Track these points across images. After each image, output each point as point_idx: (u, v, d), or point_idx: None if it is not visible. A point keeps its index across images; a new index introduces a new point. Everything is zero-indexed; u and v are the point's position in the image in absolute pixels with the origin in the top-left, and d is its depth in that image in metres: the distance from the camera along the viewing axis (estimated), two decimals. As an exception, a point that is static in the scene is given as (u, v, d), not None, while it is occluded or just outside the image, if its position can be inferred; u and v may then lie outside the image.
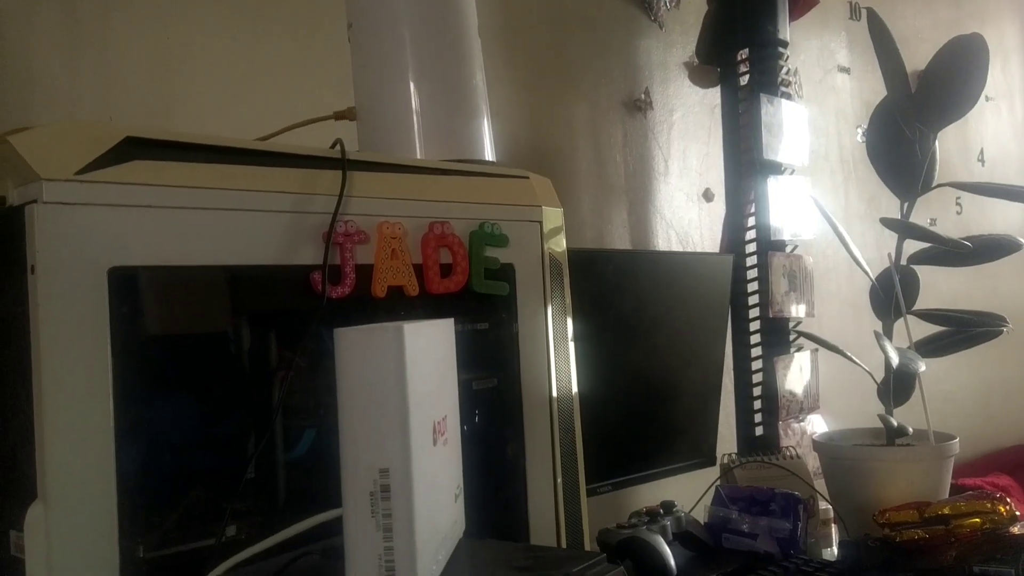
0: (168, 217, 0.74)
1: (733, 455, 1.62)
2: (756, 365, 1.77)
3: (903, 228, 1.41)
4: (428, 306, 0.91)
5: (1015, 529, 1.28)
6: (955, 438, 1.50)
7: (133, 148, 0.74)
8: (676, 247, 1.92)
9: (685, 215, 1.95)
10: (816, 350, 1.79)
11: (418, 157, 1.01)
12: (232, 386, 0.84)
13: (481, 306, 0.98)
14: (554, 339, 1.04)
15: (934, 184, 1.47)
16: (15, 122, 1.11)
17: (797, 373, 1.77)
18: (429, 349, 0.65)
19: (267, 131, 1.06)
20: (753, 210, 1.75)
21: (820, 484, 1.60)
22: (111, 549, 0.70)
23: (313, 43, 1.36)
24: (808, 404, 1.80)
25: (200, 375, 0.81)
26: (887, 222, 1.42)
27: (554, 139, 1.71)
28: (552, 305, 1.03)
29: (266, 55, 1.33)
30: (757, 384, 1.77)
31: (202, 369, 0.81)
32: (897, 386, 1.55)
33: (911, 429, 1.53)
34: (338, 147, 0.88)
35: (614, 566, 0.67)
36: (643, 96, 1.85)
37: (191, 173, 0.76)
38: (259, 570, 0.66)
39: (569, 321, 1.06)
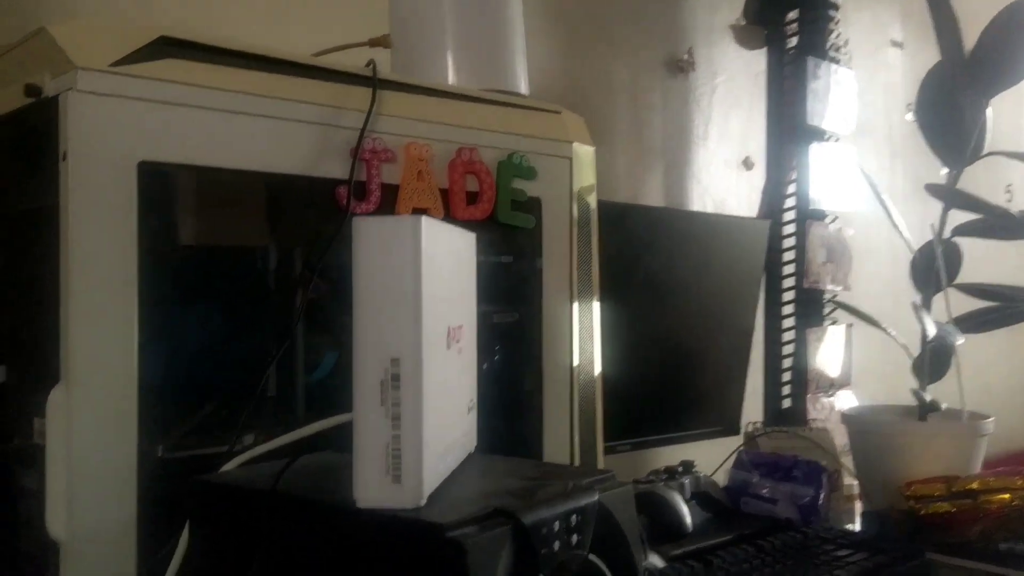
0: (199, 117, 0.74)
1: (758, 424, 1.60)
2: (787, 336, 1.75)
3: (949, 195, 1.38)
4: (453, 232, 0.91)
5: (1045, 507, 1.26)
6: (990, 417, 1.47)
7: (168, 47, 0.74)
8: (712, 213, 1.90)
9: (723, 182, 1.92)
10: (850, 325, 1.77)
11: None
12: (253, 294, 0.84)
13: (505, 238, 0.97)
14: (579, 278, 1.03)
15: (984, 152, 1.44)
16: (52, 20, 1.12)
17: (830, 347, 1.74)
18: (448, 252, 0.65)
19: (306, 51, 1.06)
20: (794, 177, 1.72)
21: (847, 461, 1.58)
22: (130, 441, 0.71)
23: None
24: (839, 380, 1.78)
25: (222, 277, 0.82)
26: (932, 188, 1.39)
27: (591, 97, 1.69)
28: (578, 243, 1.02)
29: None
30: (787, 356, 1.75)
31: (224, 271, 0.82)
32: (933, 359, 1.51)
33: (945, 405, 1.50)
34: (371, 67, 0.88)
35: (623, 483, 0.67)
36: (686, 57, 1.83)
37: (224, 76, 0.76)
38: (274, 465, 0.66)
39: (595, 261, 1.05)
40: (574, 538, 0.60)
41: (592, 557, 0.61)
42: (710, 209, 1.89)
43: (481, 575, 0.53)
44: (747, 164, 1.95)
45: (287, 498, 0.61)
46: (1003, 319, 1.47)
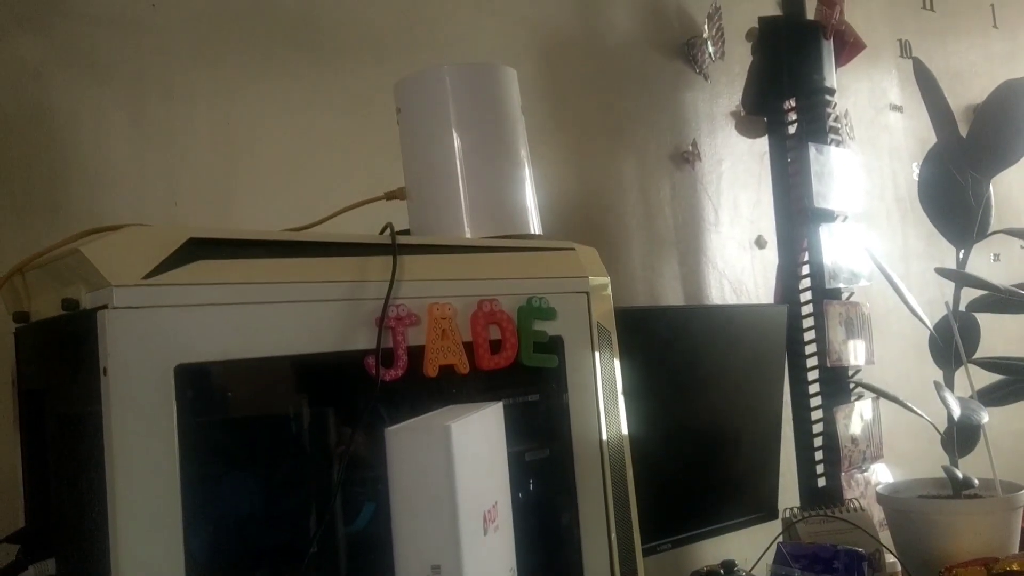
0: (230, 313, 0.77)
1: (795, 509, 1.60)
2: (816, 415, 1.75)
3: (958, 278, 1.39)
4: (479, 382, 0.93)
5: (1089, 587, 1.25)
6: (1023, 488, 1.46)
7: (196, 248, 0.78)
8: (730, 296, 1.91)
9: (738, 263, 1.94)
10: (877, 398, 1.77)
11: (466, 233, 1.04)
12: (294, 468, 0.87)
13: (531, 378, 1.00)
14: (604, 406, 1.05)
15: (990, 231, 1.46)
16: (88, 214, 1.18)
17: (858, 422, 1.74)
18: (478, 440, 0.67)
19: (326, 210, 1.10)
20: (807, 258, 1.74)
21: (886, 536, 1.57)
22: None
23: (367, 124, 1.41)
24: (871, 453, 1.78)
25: (263, 460, 0.84)
26: (943, 272, 1.41)
27: (603, 197, 1.73)
28: (601, 371, 1.05)
29: (322, 137, 1.38)
30: (818, 435, 1.75)
31: (265, 454, 0.85)
32: (962, 436, 1.52)
33: (977, 481, 1.50)
34: (388, 232, 0.91)
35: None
36: (691, 148, 1.87)
37: (251, 269, 0.80)
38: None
39: (619, 385, 1.07)
40: None
41: None
42: (728, 291, 1.91)
43: None
44: (760, 243, 1.98)
45: None
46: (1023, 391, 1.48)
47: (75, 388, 0.76)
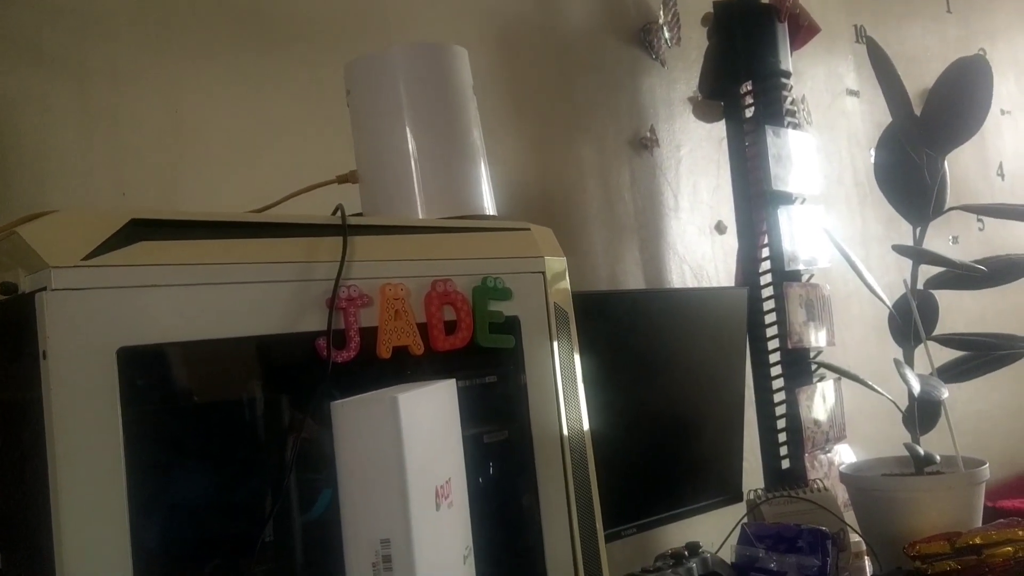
0: (174, 295, 0.76)
1: (759, 491, 1.61)
2: (779, 397, 1.76)
3: (915, 254, 1.40)
4: (434, 363, 0.92)
5: (1049, 556, 1.27)
6: (985, 463, 1.48)
7: (139, 229, 0.76)
8: (691, 281, 1.92)
9: (698, 249, 1.95)
10: (838, 379, 1.78)
11: (419, 215, 1.03)
12: (244, 453, 0.85)
13: (488, 360, 0.99)
14: (563, 387, 1.04)
15: (946, 208, 1.47)
16: (31, 199, 1.15)
17: (821, 403, 1.75)
18: (429, 414, 0.66)
19: (276, 195, 1.08)
20: (766, 241, 1.75)
21: (850, 516, 1.58)
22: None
23: (318, 109, 1.39)
24: (834, 434, 1.79)
25: (211, 445, 0.82)
26: (900, 249, 1.42)
27: (563, 183, 1.73)
28: (559, 353, 1.04)
29: (273, 122, 1.36)
30: (781, 416, 1.75)
31: (213, 439, 0.83)
32: (923, 413, 1.53)
33: (938, 457, 1.51)
34: (339, 213, 0.90)
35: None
36: (649, 134, 1.87)
37: (195, 250, 0.78)
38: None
39: (578, 367, 1.07)
40: None
41: None
42: (688, 277, 1.92)
43: None
44: (720, 228, 1.99)
45: None
46: (982, 367, 1.49)
47: (15, 374, 0.74)
